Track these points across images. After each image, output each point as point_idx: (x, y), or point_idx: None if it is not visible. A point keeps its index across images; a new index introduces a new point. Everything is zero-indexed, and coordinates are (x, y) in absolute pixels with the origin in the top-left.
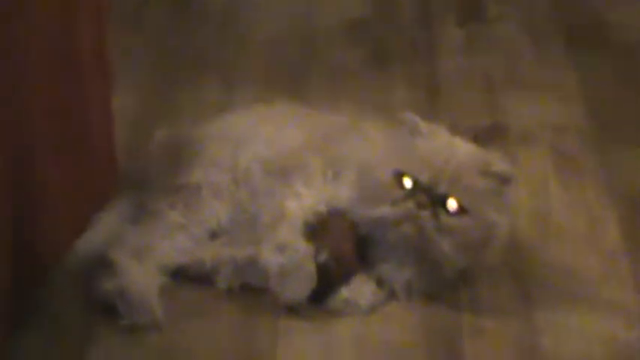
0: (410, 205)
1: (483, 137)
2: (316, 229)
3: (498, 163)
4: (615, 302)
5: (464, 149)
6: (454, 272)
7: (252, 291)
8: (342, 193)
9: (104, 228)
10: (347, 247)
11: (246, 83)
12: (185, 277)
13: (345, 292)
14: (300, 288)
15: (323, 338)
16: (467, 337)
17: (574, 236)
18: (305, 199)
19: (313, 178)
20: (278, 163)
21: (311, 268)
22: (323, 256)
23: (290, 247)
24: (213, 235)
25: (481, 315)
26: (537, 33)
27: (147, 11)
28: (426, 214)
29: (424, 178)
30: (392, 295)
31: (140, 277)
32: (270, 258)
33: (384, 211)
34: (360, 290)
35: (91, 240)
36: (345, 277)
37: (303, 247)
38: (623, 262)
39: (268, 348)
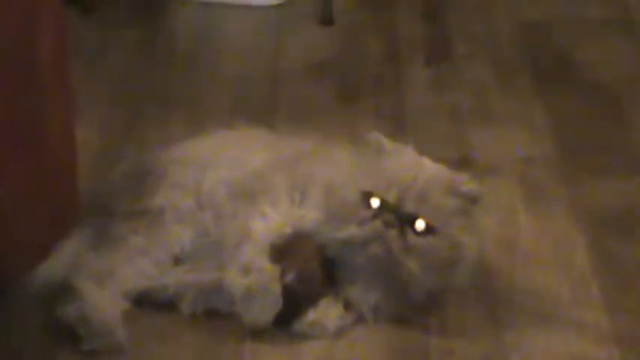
0: (377, 224)
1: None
2: (282, 251)
3: (466, 182)
4: (585, 322)
5: (431, 168)
6: (422, 294)
7: (217, 316)
8: (309, 215)
9: (65, 254)
10: (313, 269)
11: (213, 118)
12: (148, 302)
13: (311, 315)
14: (265, 310)
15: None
16: (435, 358)
17: (543, 261)
18: (271, 220)
19: (279, 199)
20: (243, 185)
21: (277, 289)
22: (289, 278)
23: (255, 268)
24: (177, 261)
25: (449, 337)
26: (505, 71)
27: (110, 54)
28: (393, 233)
29: (391, 197)
30: (359, 317)
31: (102, 301)
32: (235, 279)
33: (351, 231)
34: (326, 313)
35: (52, 266)
36: (311, 300)
37: (268, 269)
38: (592, 284)
39: None
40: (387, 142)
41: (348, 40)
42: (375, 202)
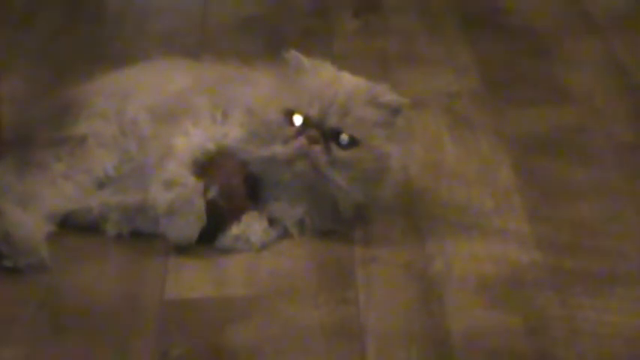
0: (301, 141)
1: None
2: (205, 167)
3: (387, 93)
4: (507, 230)
5: (351, 82)
6: (349, 208)
7: (142, 236)
8: (232, 133)
9: None
10: (236, 184)
11: None
12: (73, 224)
13: (235, 229)
14: (189, 226)
15: (213, 272)
16: (359, 265)
17: (467, 178)
18: (193, 138)
19: (201, 119)
20: (165, 108)
21: (200, 204)
22: (212, 193)
23: (178, 183)
24: (101, 185)
25: (374, 247)
26: (433, 20)
27: (38, 12)
28: (318, 149)
29: (313, 113)
30: (284, 232)
31: (25, 220)
32: (158, 195)
33: (276, 149)
34: (250, 227)
35: None
36: (234, 215)
37: (191, 183)
38: (515, 197)
39: (156, 285)
40: (305, 60)
41: None
42: (297, 119)
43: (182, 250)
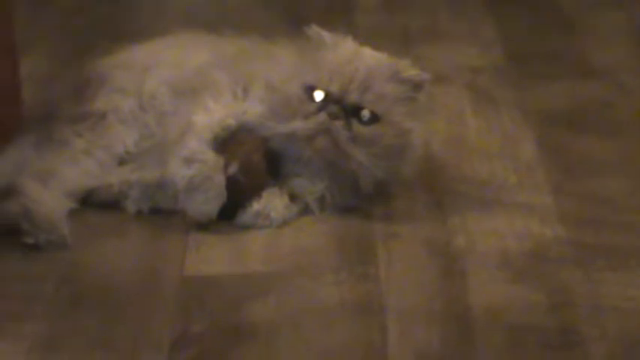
0: (322, 117)
1: None
2: (225, 143)
3: (409, 68)
4: (530, 205)
5: (372, 57)
6: (370, 184)
7: (161, 213)
8: (252, 109)
9: (8, 160)
10: (257, 160)
11: None
12: (93, 202)
13: (255, 205)
14: (209, 202)
15: (233, 248)
16: (380, 240)
17: (490, 153)
18: (214, 114)
19: (222, 94)
20: (185, 83)
21: (220, 180)
22: (232, 169)
23: (198, 159)
24: (122, 162)
25: (395, 223)
26: None
27: None
28: (339, 125)
29: (334, 89)
30: (305, 209)
31: (45, 197)
32: (178, 171)
33: (297, 125)
34: (271, 203)
35: None
36: (255, 191)
37: (212, 159)
38: (538, 172)
39: (176, 261)
40: (327, 35)
41: None
42: (318, 95)
43: (202, 226)
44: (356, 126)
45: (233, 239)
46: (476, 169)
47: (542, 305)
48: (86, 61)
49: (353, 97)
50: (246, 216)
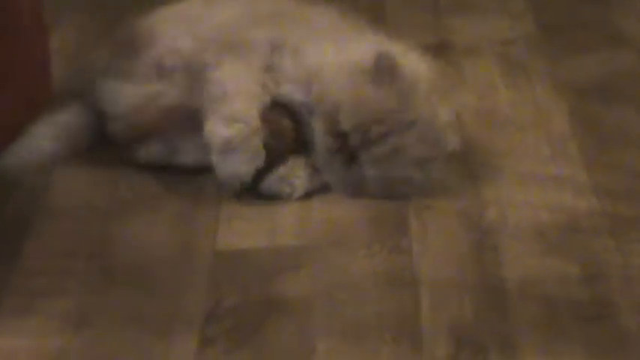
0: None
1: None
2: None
3: (369, 59)
4: (563, 177)
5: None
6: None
7: (192, 187)
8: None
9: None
10: (287, 125)
11: None
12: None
13: (281, 170)
14: (245, 164)
15: (264, 222)
16: (412, 213)
17: (522, 125)
18: (256, 76)
19: (263, 56)
20: (225, 39)
21: (258, 143)
22: (264, 133)
23: (242, 119)
24: None
25: (428, 196)
26: None
27: None
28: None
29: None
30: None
31: None
32: (216, 131)
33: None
34: (296, 171)
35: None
36: (283, 156)
37: (255, 122)
38: (571, 144)
39: (208, 235)
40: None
41: None
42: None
43: (234, 193)
44: (365, 155)
45: (265, 213)
46: (508, 141)
47: (575, 277)
48: (125, 23)
49: (352, 139)
50: (271, 180)
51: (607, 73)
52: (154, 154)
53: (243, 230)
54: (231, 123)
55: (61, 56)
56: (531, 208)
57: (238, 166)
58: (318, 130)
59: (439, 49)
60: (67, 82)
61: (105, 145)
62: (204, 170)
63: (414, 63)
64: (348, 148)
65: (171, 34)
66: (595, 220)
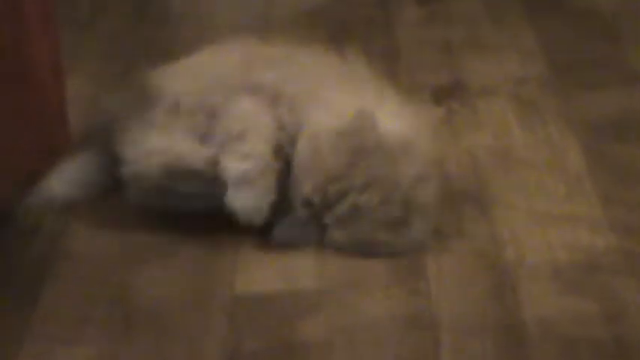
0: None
1: (443, 94)
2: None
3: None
4: (579, 215)
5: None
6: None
7: (210, 233)
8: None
9: (68, 174)
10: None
11: None
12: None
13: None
14: (259, 197)
15: (282, 266)
16: (429, 255)
17: (537, 164)
18: (272, 119)
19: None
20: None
21: (273, 179)
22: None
23: (257, 155)
24: None
25: (445, 237)
26: (496, 4)
27: (103, 12)
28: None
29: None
30: None
31: None
32: (232, 165)
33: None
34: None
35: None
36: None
37: (269, 159)
38: (587, 182)
39: (226, 280)
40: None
41: None
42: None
43: (253, 231)
44: (330, 217)
45: (282, 257)
46: (523, 180)
47: (595, 316)
48: (136, 78)
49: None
50: (282, 228)
51: (620, 110)
52: (166, 201)
53: (261, 274)
54: (247, 159)
55: (76, 104)
56: (548, 247)
57: (253, 201)
58: (292, 194)
59: (453, 90)
60: (83, 130)
61: (119, 190)
62: (220, 215)
63: (390, 121)
64: (314, 211)
65: (181, 82)
66: (613, 257)
